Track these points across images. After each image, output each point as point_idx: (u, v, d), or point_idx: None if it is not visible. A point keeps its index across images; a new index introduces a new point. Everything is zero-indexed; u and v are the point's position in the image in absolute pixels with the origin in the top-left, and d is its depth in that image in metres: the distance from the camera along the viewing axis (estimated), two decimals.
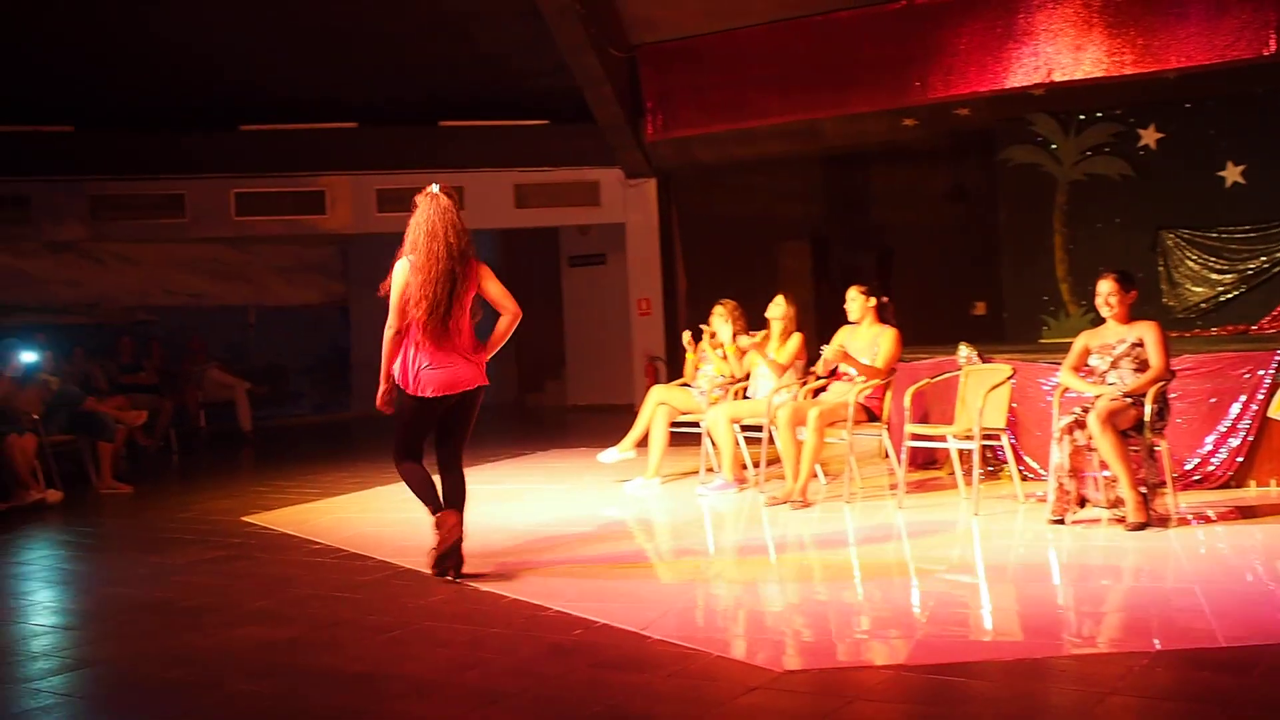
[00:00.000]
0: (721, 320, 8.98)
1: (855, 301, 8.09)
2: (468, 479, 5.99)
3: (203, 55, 13.66)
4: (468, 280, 5.82)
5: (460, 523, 5.83)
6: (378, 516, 8.07)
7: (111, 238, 14.98)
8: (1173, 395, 6.92)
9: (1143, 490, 6.40)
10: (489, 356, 5.96)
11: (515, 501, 8.48)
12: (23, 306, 14.41)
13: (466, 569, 5.85)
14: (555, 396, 17.71)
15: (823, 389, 8.25)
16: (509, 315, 5.96)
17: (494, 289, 5.92)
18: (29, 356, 10.09)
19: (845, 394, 7.80)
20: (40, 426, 9.59)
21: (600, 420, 13.78)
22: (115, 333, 14.06)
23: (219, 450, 13.49)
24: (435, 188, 5.85)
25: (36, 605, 6.11)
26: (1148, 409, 6.44)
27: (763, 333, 8.69)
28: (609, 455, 9.04)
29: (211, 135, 14.62)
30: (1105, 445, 6.34)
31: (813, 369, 8.48)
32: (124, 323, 14.88)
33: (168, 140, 14.45)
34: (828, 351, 7.84)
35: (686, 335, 9.28)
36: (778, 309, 8.64)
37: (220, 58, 13.76)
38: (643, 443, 8.95)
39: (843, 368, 7.96)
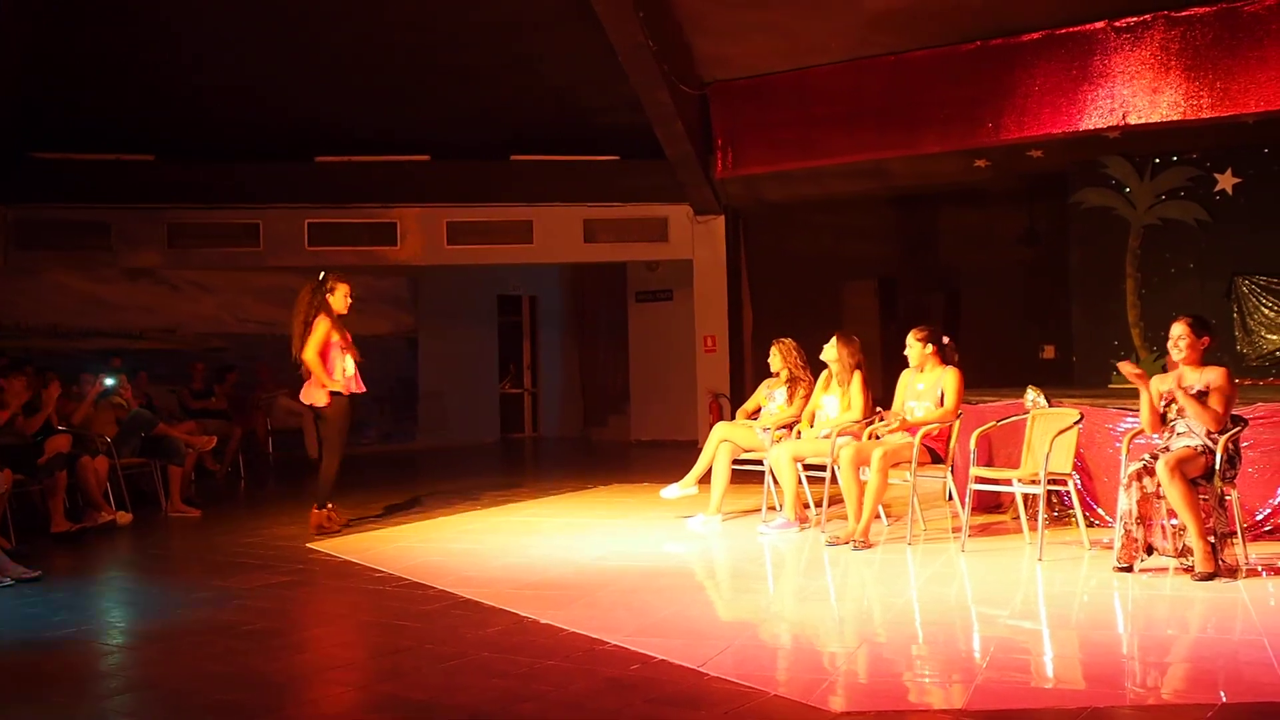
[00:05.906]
0: (778, 358, 9.04)
1: (914, 348, 8.01)
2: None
3: (279, 89, 13.89)
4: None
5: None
6: (440, 546, 8.12)
7: (187, 265, 15.22)
8: (1245, 444, 6.81)
9: (1211, 539, 6.28)
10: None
11: (577, 535, 8.50)
12: (100, 331, 14.70)
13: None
14: (619, 431, 17.74)
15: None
16: None
17: None
18: (105, 380, 10.28)
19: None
20: (113, 449, 9.76)
21: (663, 456, 13.78)
22: (189, 359, 14.29)
23: (286, 477, 13.64)
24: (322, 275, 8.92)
25: (104, 625, 6.20)
26: (1218, 457, 6.34)
27: (823, 375, 8.70)
28: (671, 491, 9.05)
29: (287, 166, 14.85)
30: (1174, 493, 6.24)
31: (878, 410, 8.44)
32: (197, 349, 15.11)
33: (244, 171, 14.68)
34: (885, 430, 7.86)
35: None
36: (831, 351, 8.62)
37: (296, 92, 13.98)
38: (705, 479, 8.95)
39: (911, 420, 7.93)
